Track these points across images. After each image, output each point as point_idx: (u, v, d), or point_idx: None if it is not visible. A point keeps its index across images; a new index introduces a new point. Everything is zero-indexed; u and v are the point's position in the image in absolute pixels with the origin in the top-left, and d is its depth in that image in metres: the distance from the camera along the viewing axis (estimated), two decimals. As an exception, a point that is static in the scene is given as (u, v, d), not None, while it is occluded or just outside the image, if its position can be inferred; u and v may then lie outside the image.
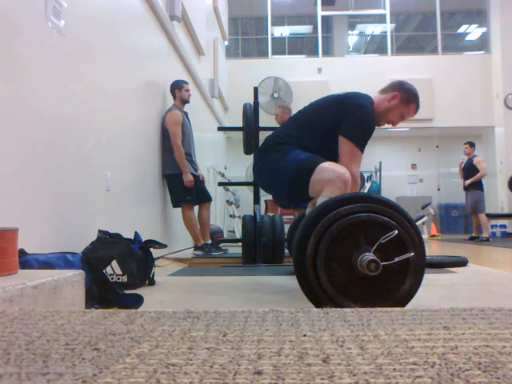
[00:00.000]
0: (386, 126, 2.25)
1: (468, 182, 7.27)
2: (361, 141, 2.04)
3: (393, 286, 1.51)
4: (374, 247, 1.48)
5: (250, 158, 4.34)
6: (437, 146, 10.87)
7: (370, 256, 1.46)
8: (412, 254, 1.50)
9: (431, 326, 0.85)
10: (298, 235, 1.57)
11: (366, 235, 1.51)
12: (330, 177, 1.88)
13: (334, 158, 2.05)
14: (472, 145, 7.51)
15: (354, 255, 1.50)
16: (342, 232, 1.52)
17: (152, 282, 2.39)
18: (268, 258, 3.50)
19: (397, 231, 1.50)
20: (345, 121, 2.03)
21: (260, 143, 4.18)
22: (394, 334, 0.79)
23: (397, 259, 1.49)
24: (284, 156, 2.05)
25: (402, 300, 1.53)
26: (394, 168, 11.09)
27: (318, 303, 1.50)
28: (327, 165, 1.93)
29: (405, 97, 2.16)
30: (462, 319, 0.91)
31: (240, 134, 4.26)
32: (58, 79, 2.27)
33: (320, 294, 1.50)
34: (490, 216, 8.34)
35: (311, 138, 2.09)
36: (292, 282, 2.61)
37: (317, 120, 2.12)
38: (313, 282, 1.51)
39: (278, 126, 4.02)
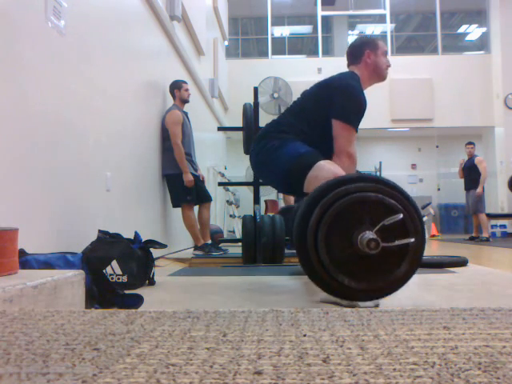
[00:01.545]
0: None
1: (479, 190, 7.20)
2: (354, 120, 2.05)
3: (389, 267, 1.52)
4: (377, 227, 1.48)
5: (250, 157, 4.35)
6: (437, 146, 10.86)
7: (371, 235, 1.46)
8: (413, 239, 1.50)
9: (431, 326, 0.85)
10: (304, 206, 1.57)
11: (371, 215, 1.52)
12: (326, 176, 1.88)
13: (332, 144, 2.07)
14: (474, 144, 7.53)
15: (355, 232, 1.50)
16: (347, 208, 1.53)
17: (152, 282, 2.39)
18: (268, 258, 3.50)
19: (402, 215, 1.50)
20: (335, 103, 2.04)
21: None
22: (394, 334, 0.79)
23: (397, 242, 1.50)
24: (282, 146, 2.05)
25: (395, 283, 1.54)
26: (393, 168, 11.09)
27: (313, 273, 1.51)
28: (326, 163, 1.93)
29: (372, 46, 2.23)
30: (462, 319, 0.91)
31: (240, 134, 4.26)
32: (58, 79, 2.27)
33: (316, 265, 1.51)
34: (490, 216, 8.34)
35: (309, 126, 2.11)
36: (292, 282, 2.61)
37: (311, 107, 2.13)
38: (311, 252, 1.51)
39: None
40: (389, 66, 2.27)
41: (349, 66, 2.28)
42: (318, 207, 1.53)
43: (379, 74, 2.24)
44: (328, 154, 2.05)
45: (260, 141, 2.17)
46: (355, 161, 2.05)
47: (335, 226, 1.52)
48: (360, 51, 2.23)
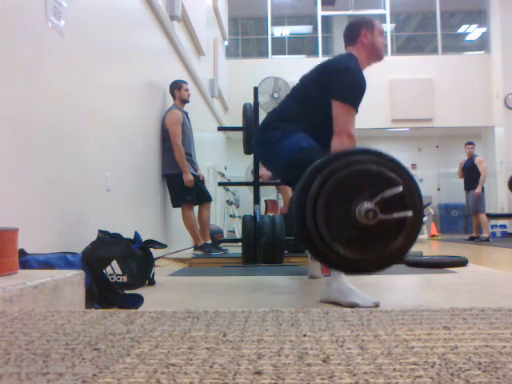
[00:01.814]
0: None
1: (478, 191, 7.20)
2: (354, 100, 2.03)
3: (385, 240, 1.52)
4: (376, 199, 1.49)
5: (250, 157, 4.35)
6: (437, 146, 10.86)
7: (369, 205, 1.47)
8: (410, 213, 1.51)
9: (431, 325, 0.85)
10: (305, 176, 1.58)
11: (370, 187, 1.52)
12: None
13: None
14: (473, 144, 7.53)
15: (354, 203, 1.51)
16: (347, 179, 1.53)
17: (152, 282, 2.39)
18: (268, 258, 3.50)
19: (401, 188, 1.51)
20: (334, 84, 2.03)
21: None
22: (394, 334, 0.79)
23: (395, 215, 1.50)
24: (284, 138, 2.04)
25: (389, 257, 1.55)
26: (394, 168, 11.05)
27: (310, 242, 1.52)
28: None
29: (368, 26, 2.22)
30: (462, 319, 0.91)
31: (240, 134, 4.26)
32: (58, 79, 2.27)
33: (313, 232, 1.51)
34: (490, 216, 8.34)
35: (310, 111, 2.10)
36: (292, 282, 2.61)
37: (311, 92, 2.12)
38: (309, 219, 1.52)
39: None
40: (385, 45, 2.26)
41: (346, 47, 2.26)
42: (319, 177, 1.54)
43: (376, 54, 2.22)
44: (327, 142, 2.04)
45: (263, 132, 2.16)
46: (355, 140, 2.03)
47: (335, 197, 1.53)
48: (356, 31, 2.21)
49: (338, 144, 1.95)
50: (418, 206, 1.55)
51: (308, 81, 2.19)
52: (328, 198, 1.51)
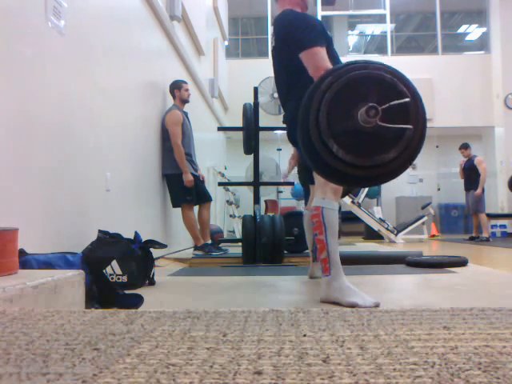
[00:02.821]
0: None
1: (478, 192, 7.19)
2: (314, 41, 1.93)
3: (378, 151, 1.52)
4: (384, 106, 1.49)
5: (250, 157, 4.35)
6: (437, 146, 10.85)
7: (373, 105, 1.48)
8: (410, 126, 1.50)
9: (431, 325, 0.85)
10: (316, 81, 1.59)
11: (378, 95, 1.52)
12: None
13: None
14: (466, 146, 7.47)
15: (358, 106, 1.51)
16: (357, 80, 1.54)
17: (152, 282, 2.39)
18: (268, 257, 3.50)
19: (408, 99, 1.51)
20: (292, 43, 1.99)
21: (260, 143, 4.18)
22: (394, 334, 0.79)
23: (395, 126, 1.50)
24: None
25: (378, 168, 1.54)
26: (394, 168, 11.05)
27: (309, 142, 1.53)
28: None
29: None
30: (462, 319, 0.91)
31: (240, 134, 4.26)
32: (58, 79, 2.27)
33: (313, 127, 1.52)
34: (490, 216, 8.34)
35: (298, 81, 2.07)
36: (292, 282, 2.61)
37: (286, 65, 2.12)
38: (312, 116, 1.52)
39: None
40: None
41: (277, 1, 2.24)
42: (330, 77, 1.55)
43: (303, 5, 2.17)
44: None
45: (289, 122, 2.15)
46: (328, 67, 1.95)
47: (341, 98, 1.53)
48: None
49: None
50: (421, 121, 1.54)
51: (276, 59, 2.21)
52: (334, 98, 1.51)
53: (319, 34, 1.97)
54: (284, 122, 2.24)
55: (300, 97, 1.81)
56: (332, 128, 1.51)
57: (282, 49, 2.10)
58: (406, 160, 1.56)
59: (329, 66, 1.84)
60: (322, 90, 1.54)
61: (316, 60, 1.88)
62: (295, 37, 1.98)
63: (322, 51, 1.89)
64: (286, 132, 2.23)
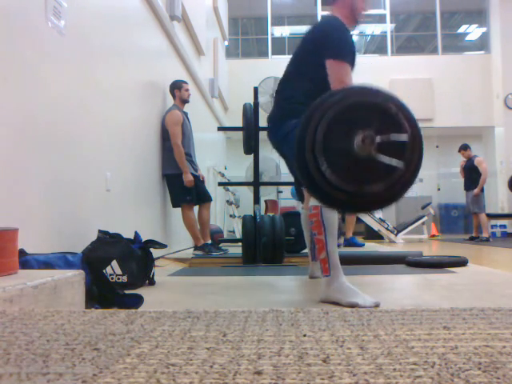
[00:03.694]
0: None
1: (476, 191, 7.19)
2: (346, 54, 2.00)
3: (365, 179, 1.50)
4: (378, 140, 1.47)
5: (250, 157, 4.35)
6: (437, 146, 10.85)
7: (371, 133, 1.46)
8: (401, 165, 1.48)
9: (431, 325, 0.85)
10: (326, 95, 1.58)
11: (379, 125, 1.50)
12: None
13: None
14: (466, 147, 7.47)
15: (358, 130, 1.49)
16: (363, 105, 1.53)
17: (152, 282, 2.39)
18: (268, 257, 3.50)
19: (406, 136, 1.49)
20: (325, 46, 2.02)
21: (260, 143, 4.18)
22: (394, 334, 0.79)
23: (385, 159, 1.47)
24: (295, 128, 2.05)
25: (362, 197, 1.52)
26: (393, 168, 11.04)
27: (302, 141, 1.52)
28: None
29: None
30: (462, 319, 0.91)
31: (240, 134, 4.26)
32: (58, 79, 2.27)
33: (309, 138, 1.51)
34: (490, 216, 8.34)
35: (312, 82, 2.07)
36: (292, 282, 2.61)
37: (306, 63, 2.12)
38: (311, 128, 1.51)
39: None
40: (364, 9, 2.22)
41: (323, 5, 2.26)
42: (340, 94, 1.55)
43: (353, 16, 2.19)
44: None
45: (275, 121, 2.15)
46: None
47: (343, 119, 1.51)
48: None
49: None
50: (416, 163, 1.51)
51: (299, 53, 2.18)
52: (334, 119, 1.50)
53: (352, 53, 2.05)
54: (268, 121, 2.24)
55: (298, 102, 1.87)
56: (326, 145, 1.50)
57: (309, 48, 2.11)
58: (392, 195, 1.54)
59: (351, 83, 1.93)
60: (329, 106, 1.53)
61: (342, 74, 1.96)
62: (331, 43, 2.02)
63: (349, 68, 1.99)
64: (266, 132, 2.24)
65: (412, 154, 1.51)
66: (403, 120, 1.51)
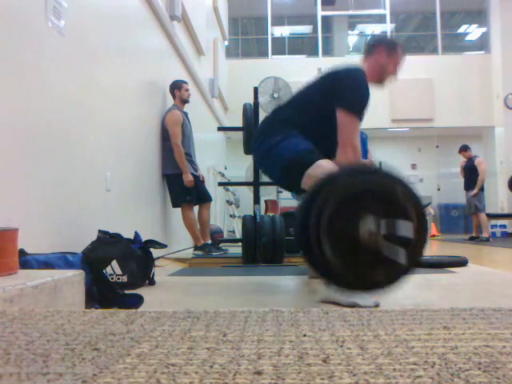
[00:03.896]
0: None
1: (475, 192, 7.21)
2: (359, 110, 2.03)
3: (365, 264, 1.53)
4: (387, 228, 1.49)
5: (250, 157, 4.34)
6: (437, 146, 10.86)
7: (374, 226, 1.49)
8: (404, 261, 1.51)
9: (431, 325, 0.85)
10: (335, 174, 1.61)
11: (386, 211, 1.52)
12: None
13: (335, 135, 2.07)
14: (466, 148, 7.48)
15: (363, 216, 1.51)
16: (369, 191, 1.55)
17: (152, 282, 2.39)
18: (268, 258, 3.50)
19: (412, 225, 1.50)
20: (342, 93, 2.03)
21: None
22: (394, 334, 0.79)
23: (390, 255, 1.49)
24: (283, 140, 2.05)
25: (361, 279, 1.55)
26: (394, 168, 11.04)
27: (303, 228, 1.55)
28: (324, 163, 1.93)
29: (389, 47, 2.21)
30: (462, 319, 0.91)
31: (240, 134, 4.26)
32: (58, 79, 2.27)
33: (314, 216, 1.53)
34: (490, 216, 8.34)
35: (313, 119, 2.09)
36: (292, 282, 2.61)
37: (316, 99, 2.12)
38: (313, 218, 1.53)
39: None
40: (395, 74, 2.23)
41: (362, 60, 2.27)
42: (348, 178, 1.57)
43: (380, 77, 2.20)
44: (330, 151, 2.04)
45: (263, 137, 2.16)
46: (359, 154, 2.04)
47: (346, 210, 1.54)
48: (376, 45, 2.21)
49: (343, 157, 1.97)
50: (416, 259, 1.55)
51: (313, 87, 2.18)
52: (339, 207, 1.52)
53: (364, 111, 2.08)
54: (254, 139, 2.27)
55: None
56: (331, 229, 1.52)
57: (323, 88, 2.12)
58: (390, 282, 1.57)
59: (358, 144, 2.00)
60: (337, 188, 1.55)
61: (351, 129, 2.00)
62: (348, 93, 2.03)
63: (358, 125, 2.03)
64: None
65: (415, 250, 1.54)
66: (410, 208, 1.54)
